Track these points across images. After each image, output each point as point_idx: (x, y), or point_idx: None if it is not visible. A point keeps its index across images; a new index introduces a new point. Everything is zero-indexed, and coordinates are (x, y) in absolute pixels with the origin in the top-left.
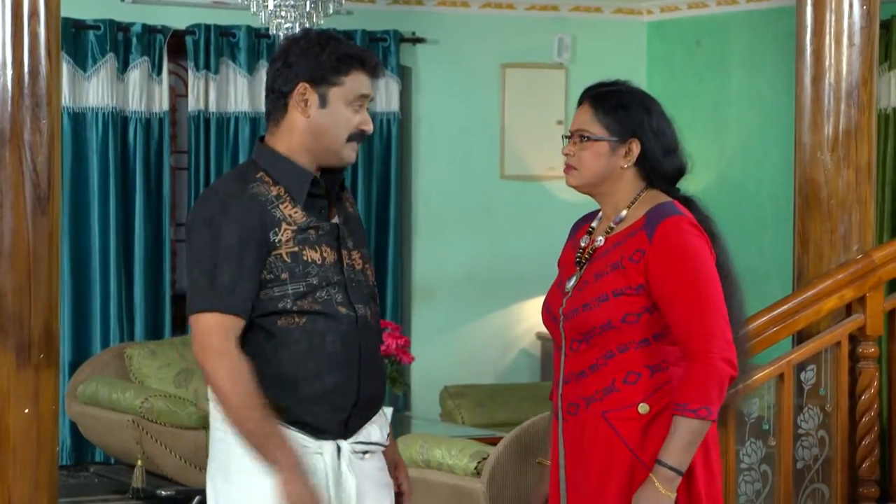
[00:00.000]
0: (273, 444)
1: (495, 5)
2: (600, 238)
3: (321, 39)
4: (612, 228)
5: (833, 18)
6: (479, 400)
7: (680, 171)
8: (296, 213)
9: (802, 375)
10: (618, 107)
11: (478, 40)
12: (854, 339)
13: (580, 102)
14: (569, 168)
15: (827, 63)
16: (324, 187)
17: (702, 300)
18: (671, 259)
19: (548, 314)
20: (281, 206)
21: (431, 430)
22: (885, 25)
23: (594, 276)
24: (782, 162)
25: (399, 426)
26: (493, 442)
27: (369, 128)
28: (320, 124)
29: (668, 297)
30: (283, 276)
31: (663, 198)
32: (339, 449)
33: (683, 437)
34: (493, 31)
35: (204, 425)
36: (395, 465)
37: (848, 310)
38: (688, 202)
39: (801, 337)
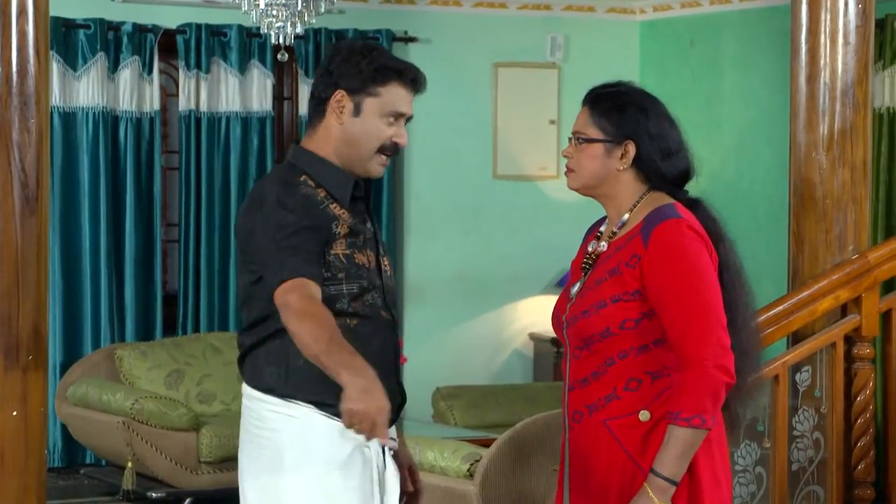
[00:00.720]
0: (340, 361)
1: (487, 4)
2: (604, 243)
3: (364, 49)
4: (615, 233)
5: (828, 17)
6: (471, 401)
7: (683, 174)
8: (345, 213)
9: (797, 377)
10: (613, 108)
11: (470, 39)
12: (849, 340)
13: (583, 102)
14: (568, 170)
15: (822, 62)
16: (363, 190)
17: (697, 305)
18: (666, 263)
19: (555, 320)
20: (332, 206)
21: (423, 431)
22: (879, 24)
23: (594, 282)
24: (776, 161)
25: None
26: (485, 444)
27: (403, 141)
28: (352, 132)
29: (662, 303)
30: (340, 275)
31: (666, 200)
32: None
33: (677, 447)
34: (485, 31)
35: (194, 426)
36: (408, 466)
37: (843, 310)
38: (694, 204)
39: (796, 338)
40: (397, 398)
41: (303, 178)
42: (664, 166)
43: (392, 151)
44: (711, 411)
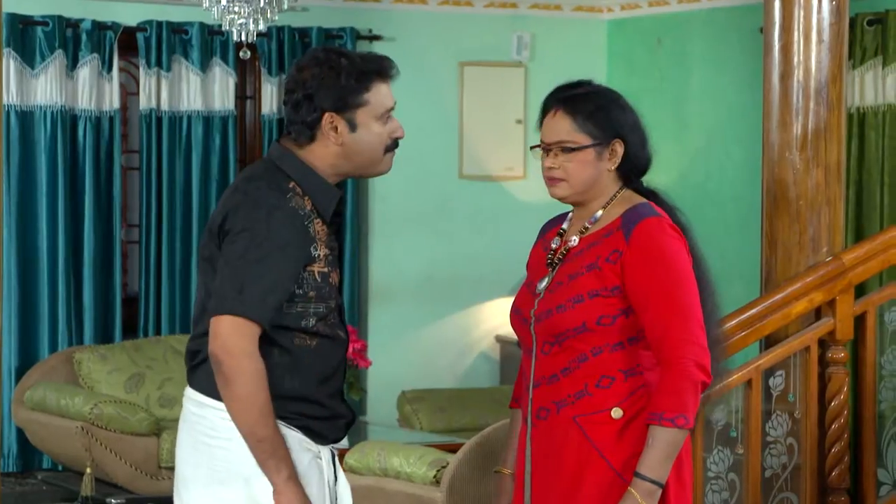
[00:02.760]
0: (281, 455)
1: (453, 3)
2: (574, 238)
3: (332, 61)
4: (586, 228)
5: (802, 14)
6: (437, 405)
7: (648, 164)
8: (323, 230)
9: (771, 381)
10: (596, 110)
11: (436, 38)
12: (823, 343)
13: (549, 108)
14: (554, 181)
15: (795, 60)
16: (343, 206)
17: (677, 304)
18: (648, 261)
19: (517, 316)
20: (315, 223)
21: (389, 436)
22: (849, 24)
23: (568, 277)
24: (745, 162)
25: (356, 432)
26: (452, 449)
27: (401, 133)
28: (354, 148)
29: (643, 300)
30: (311, 294)
31: (638, 198)
32: (331, 453)
33: (662, 448)
34: (451, 29)
35: (154, 431)
36: None
37: (817, 314)
38: (652, 195)
39: (769, 342)
40: (348, 416)
41: (291, 185)
42: (643, 156)
43: (395, 146)
44: (693, 410)
